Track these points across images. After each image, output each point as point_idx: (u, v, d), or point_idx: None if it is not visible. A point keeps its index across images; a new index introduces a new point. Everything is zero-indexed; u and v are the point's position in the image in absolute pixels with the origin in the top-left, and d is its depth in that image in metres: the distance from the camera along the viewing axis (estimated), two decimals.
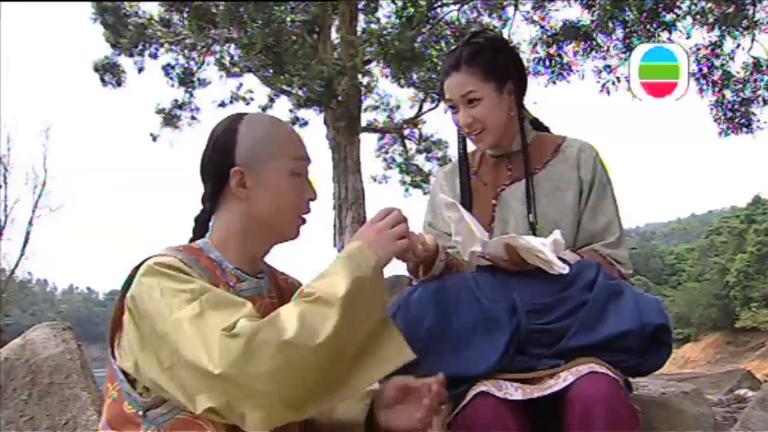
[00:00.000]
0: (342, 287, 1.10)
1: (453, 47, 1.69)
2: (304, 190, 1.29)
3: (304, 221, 1.31)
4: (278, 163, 1.25)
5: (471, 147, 1.74)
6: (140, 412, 1.12)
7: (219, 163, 1.25)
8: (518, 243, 1.39)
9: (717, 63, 9.28)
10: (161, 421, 1.11)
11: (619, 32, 9.19)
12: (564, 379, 1.27)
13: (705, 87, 9.31)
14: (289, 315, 1.08)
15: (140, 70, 11.68)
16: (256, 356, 1.02)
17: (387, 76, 11.28)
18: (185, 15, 10.70)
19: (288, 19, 10.15)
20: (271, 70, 10.21)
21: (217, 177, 1.25)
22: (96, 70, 11.51)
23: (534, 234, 1.56)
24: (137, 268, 1.17)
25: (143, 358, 1.10)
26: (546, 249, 1.39)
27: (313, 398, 1.09)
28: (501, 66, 1.62)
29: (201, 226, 1.31)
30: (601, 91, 9.44)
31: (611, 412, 1.21)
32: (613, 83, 9.39)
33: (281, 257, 1.41)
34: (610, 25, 9.09)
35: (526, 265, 1.41)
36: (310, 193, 1.30)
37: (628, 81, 9.32)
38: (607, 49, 9.39)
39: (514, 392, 1.28)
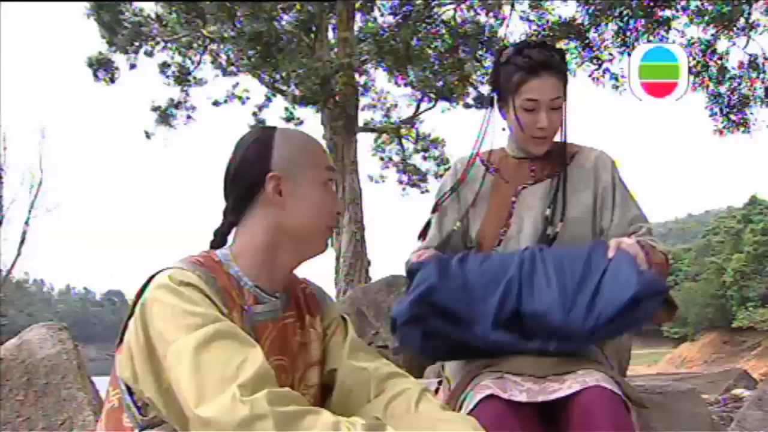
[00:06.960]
0: None
1: (522, 46, 1.66)
2: (334, 202, 1.27)
3: (331, 233, 1.29)
4: (314, 172, 1.24)
5: (484, 147, 1.78)
6: (137, 430, 1.08)
7: (253, 169, 1.21)
8: None
9: (713, 59, 9.29)
10: None
11: (614, 27, 9.19)
12: (569, 386, 1.31)
13: (699, 82, 9.31)
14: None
15: (132, 66, 11.64)
16: None
17: (380, 68, 11.26)
18: (173, 8, 10.65)
19: (279, 9, 10.08)
20: (264, 69, 10.19)
21: (249, 184, 1.21)
22: (90, 65, 11.46)
23: (551, 225, 1.63)
24: (152, 277, 1.11)
25: (144, 372, 1.06)
26: None
27: None
28: (567, 78, 1.68)
29: (220, 239, 1.26)
30: (591, 77, 9.44)
31: (615, 428, 1.25)
32: (603, 74, 9.41)
33: None
34: (605, 21, 9.10)
35: None
36: (339, 206, 1.29)
37: (613, 78, 9.37)
38: (599, 48, 9.39)
39: (519, 395, 1.31)
